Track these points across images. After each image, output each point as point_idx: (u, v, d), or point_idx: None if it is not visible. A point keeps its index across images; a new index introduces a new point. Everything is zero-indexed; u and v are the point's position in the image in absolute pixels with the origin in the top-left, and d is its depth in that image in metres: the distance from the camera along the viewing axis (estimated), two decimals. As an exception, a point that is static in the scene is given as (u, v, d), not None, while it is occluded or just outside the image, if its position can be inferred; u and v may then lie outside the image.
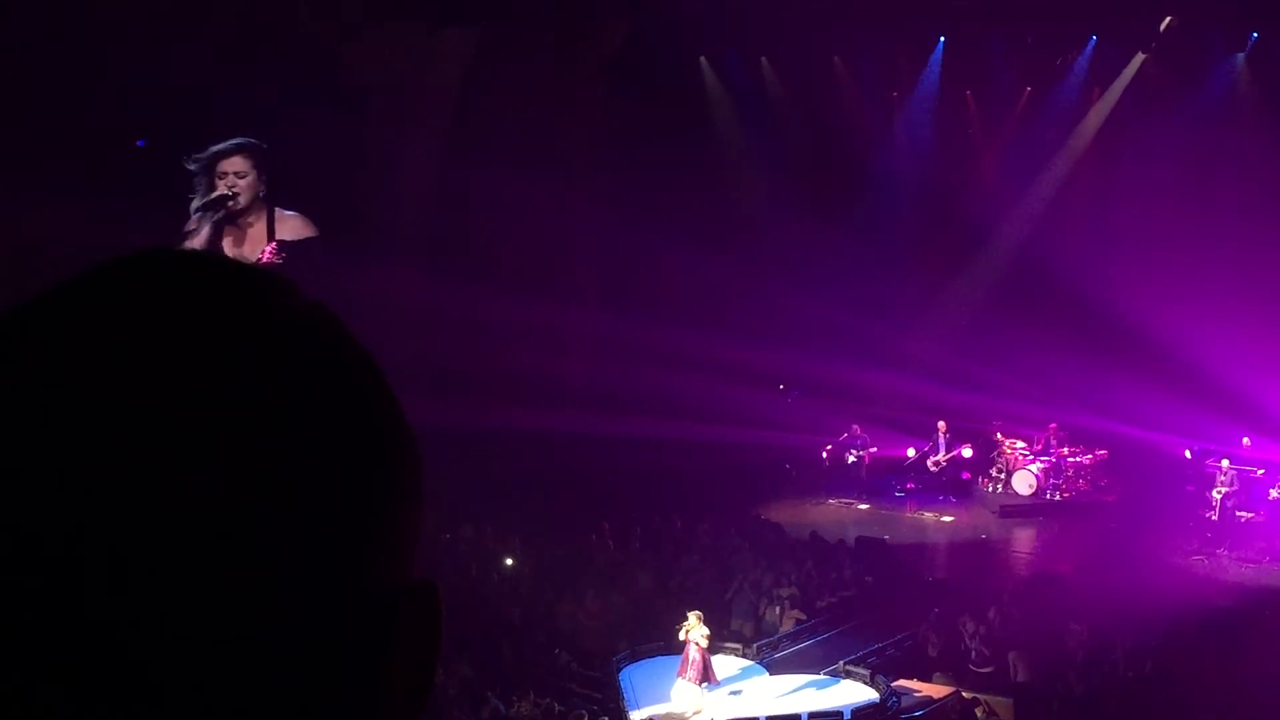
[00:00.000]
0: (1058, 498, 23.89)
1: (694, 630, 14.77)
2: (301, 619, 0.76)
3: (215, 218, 21.35)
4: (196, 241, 20.56)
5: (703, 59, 27.52)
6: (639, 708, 14.80)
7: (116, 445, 0.72)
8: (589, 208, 26.10)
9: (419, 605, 0.84)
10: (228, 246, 20.99)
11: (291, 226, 21.75)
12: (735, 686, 15.39)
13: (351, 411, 0.81)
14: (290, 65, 20.02)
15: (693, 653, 14.74)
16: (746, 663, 16.16)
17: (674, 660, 15.09)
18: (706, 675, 14.86)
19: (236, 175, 21.24)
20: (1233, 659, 14.98)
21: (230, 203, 21.18)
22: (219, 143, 20.73)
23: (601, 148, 26.01)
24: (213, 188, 21.08)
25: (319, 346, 0.82)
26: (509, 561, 18.40)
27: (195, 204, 21.00)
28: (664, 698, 14.92)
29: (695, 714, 14.70)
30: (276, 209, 21.71)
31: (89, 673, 0.71)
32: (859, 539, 20.28)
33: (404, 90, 23.06)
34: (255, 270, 0.84)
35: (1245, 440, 22.88)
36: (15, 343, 0.76)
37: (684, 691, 14.78)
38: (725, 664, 15.56)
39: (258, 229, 21.58)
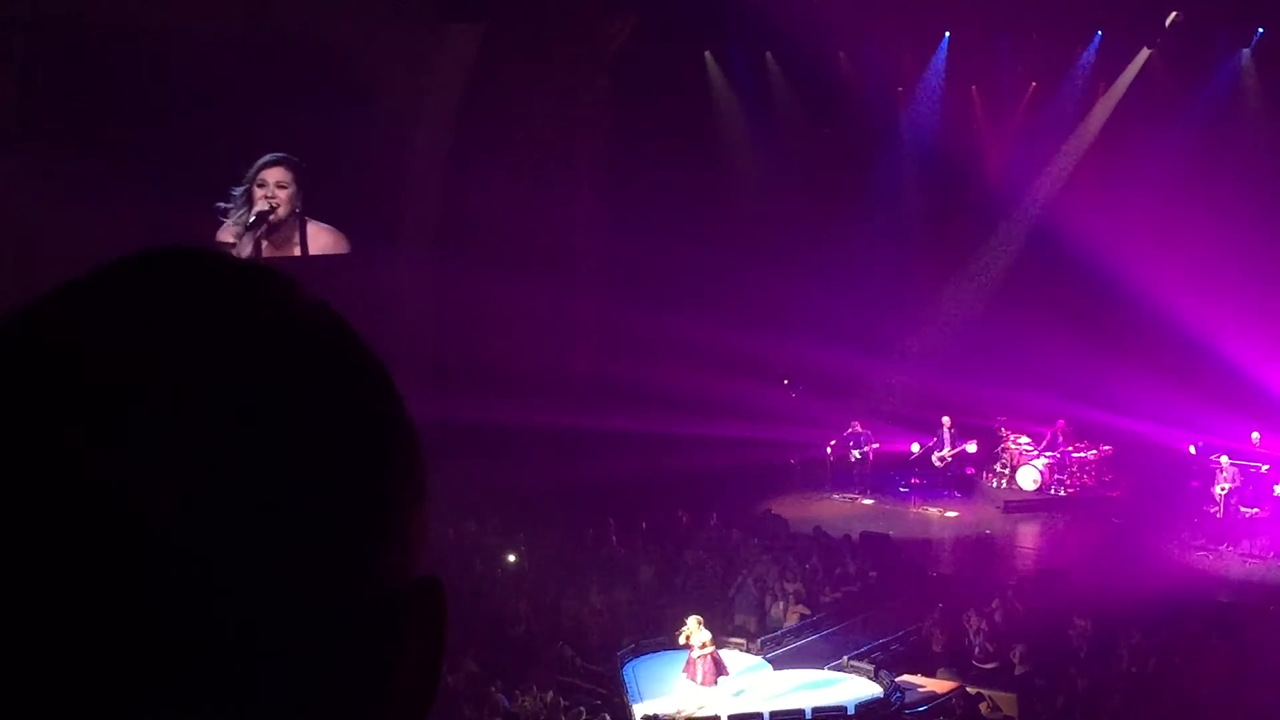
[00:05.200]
0: (1063, 493, 23.82)
1: (695, 635, 14.73)
2: (307, 617, 0.76)
3: (257, 235, 20.98)
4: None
5: (707, 54, 27.49)
6: (642, 701, 14.81)
7: (120, 443, 0.72)
8: (594, 201, 26.09)
9: (424, 601, 0.84)
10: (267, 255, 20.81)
11: (323, 242, 21.53)
12: (739, 682, 15.37)
13: (355, 408, 0.81)
14: (295, 64, 19.98)
15: (696, 657, 14.71)
16: (750, 658, 16.14)
17: (678, 655, 15.09)
18: (719, 671, 14.84)
19: (278, 186, 20.82)
20: (1237, 655, 14.97)
21: (271, 215, 20.85)
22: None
23: (606, 142, 25.99)
24: (251, 198, 20.69)
25: (322, 344, 0.82)
26: (512, 557, 18.40)
27: (234, 218, 20.66)
28: (667, 692, 14.94)
29: (699, 709, 14.70)
30: (309, 222, 21.44)
31: (90, 670, 0.71)
32: (863, 534, 20.24)
33: (410, 86, 23.03)
34: (259, 267, 0.84)
35: (1255, 436, 22.73)
36: (25, 340, 0.77)
37: (688, 687, 14.78)
38: (729, 659, 15.54)
39: (290, 241, 21.39)
